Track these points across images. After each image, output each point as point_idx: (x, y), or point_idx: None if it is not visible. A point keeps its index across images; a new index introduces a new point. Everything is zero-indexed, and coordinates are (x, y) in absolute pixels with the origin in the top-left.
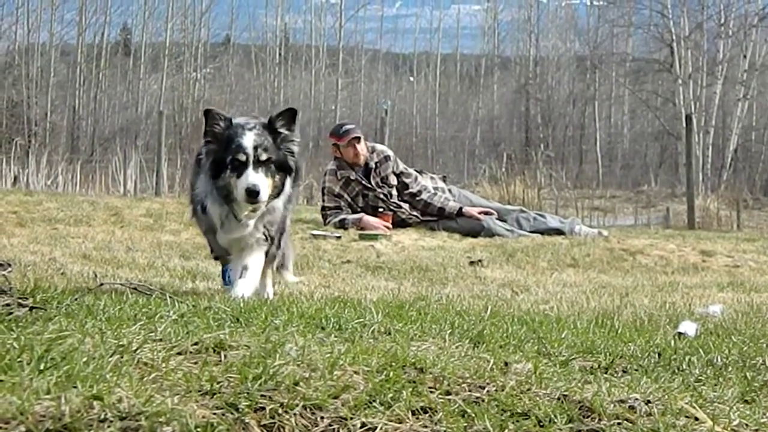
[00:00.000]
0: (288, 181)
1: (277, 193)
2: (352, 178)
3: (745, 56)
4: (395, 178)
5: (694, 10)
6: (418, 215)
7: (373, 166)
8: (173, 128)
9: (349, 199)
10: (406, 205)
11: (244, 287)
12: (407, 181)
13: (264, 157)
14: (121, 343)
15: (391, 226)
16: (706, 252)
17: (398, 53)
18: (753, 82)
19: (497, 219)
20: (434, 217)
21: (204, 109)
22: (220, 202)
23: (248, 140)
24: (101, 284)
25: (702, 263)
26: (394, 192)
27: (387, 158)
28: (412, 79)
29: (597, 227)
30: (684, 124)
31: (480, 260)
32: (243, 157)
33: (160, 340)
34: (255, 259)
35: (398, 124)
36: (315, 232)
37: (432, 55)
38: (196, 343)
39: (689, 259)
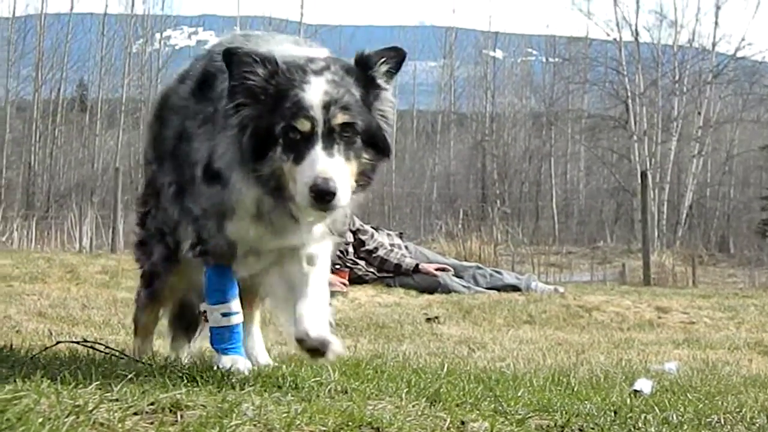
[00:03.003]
0: (379, 168)
1: (363, 185)
2: None
3: (699, 113)
4: (352, 235)
5: (649, 67)
6: (375, 272)
7: None
8: (129, 184)
9: None
10: (362, 262)
11: (318, 330)
12: (363, 238)
13: (342, 120)
14: (77, 403)
15: (347, 282)
16: (662, 308)
17: None
18: (707, 138)
19: (454, 275)
20: (391, 274)
21: (224, 50)
22: (260, 185)
23: (315, 92)
24: (57, 342)
25: (658, 320)
26: (351, 249)
27: None
28: None
29: (553, 284)
30: (639, 181)
31: (436, 317)
32: (306, 125)
33: (117, 400)
34: (319, 284)
35: None
36: None
37: None
38: (152, 403)
39: (645, 316)
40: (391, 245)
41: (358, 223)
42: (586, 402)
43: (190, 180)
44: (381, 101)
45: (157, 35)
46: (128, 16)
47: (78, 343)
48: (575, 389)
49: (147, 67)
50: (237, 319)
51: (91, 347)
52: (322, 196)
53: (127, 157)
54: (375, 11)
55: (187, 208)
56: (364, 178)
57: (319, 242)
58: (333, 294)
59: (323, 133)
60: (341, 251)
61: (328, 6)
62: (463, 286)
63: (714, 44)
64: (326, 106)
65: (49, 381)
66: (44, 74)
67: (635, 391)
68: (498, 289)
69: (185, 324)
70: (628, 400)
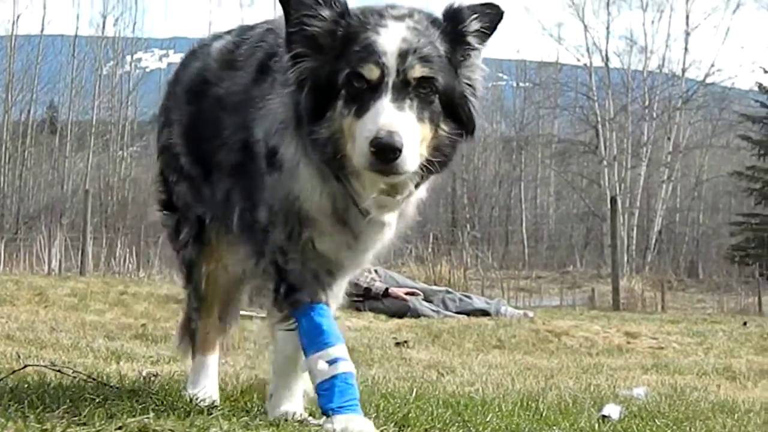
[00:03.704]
0: (459, 147)
1: (438, 163)
2: None
3: (669, 138)
4: None
5: (619, 92)
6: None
7: None
8: (99, 207)
9: None
10: None
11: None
12: None
13: (420, 73)
14: (44, 427)
15: None
16: (631, 333)
17: None
18: (677, 164)
19: (423, 300)
20: (360, 298)
21: None
22: (324, 172)
23: (390, 37)
24: (24, 366)
25: (626, 345)
26: None
27: None
28: None
29: (522, 308)
30: (609, 206)
31: (406, 341)
32: (374, 72)
33: (84, 424)
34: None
35: None
36: (241, 311)
37: None
38: (120, 427)
39: (614, 341)
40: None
41: None
42: (554, 427)
43: (249, 179)
44: (469, 65)
45: (128, 57)
46: (99, 38)
47: (46, 367)
48: (544, 414)
49: (117, 89)
50: (346, 366)
51: (59, 371)
52: (385, 152)
53: (96, 179)
54: None
55: (250, 219)
56: (439, 154)
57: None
58: None
59: (395, 84)
60: None
61: None
62: (433, 311)
63: (684, 70)
64: (402, 54)
65: (16, 405)
66: (14, 96)
67: (603, 416)
68: (467, 313)
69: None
70: (597, 426)
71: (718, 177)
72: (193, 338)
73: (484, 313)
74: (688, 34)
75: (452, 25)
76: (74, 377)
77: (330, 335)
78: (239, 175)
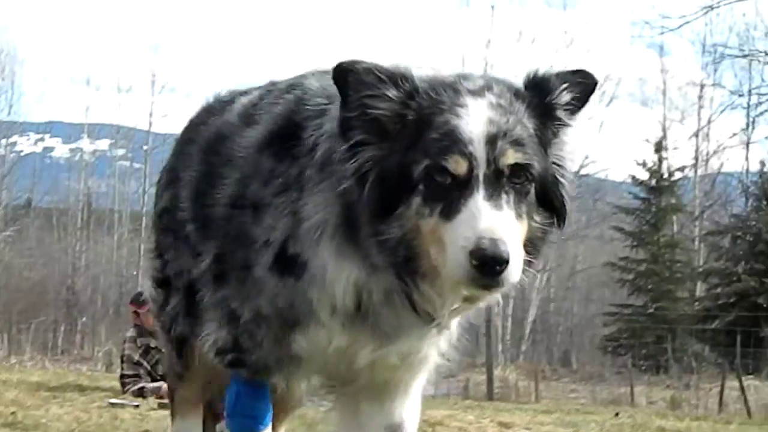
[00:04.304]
0: (550, 239)
1: (528, 261)
2: (152, 345)
3: None
4: None
5: None
6: None
7: None
8: None
9: (149, 367)
10: None
11: None
12: None
13: (514, 160)
14: None
15: None
16: (504, 424)
17: None
18: (551, 254)
19: None
20: None
21: (336, 66)
22: (370, 267)
23: (475, 119)
24: None
25: None
26: None
27: None
28: None
29: None
30: None
31: None
32: (462, 165)
33: None
34: (413, 414)
35: None
36: (113, 400)
37: None
38: None
39: (487, 431)
40: None
41: None
42: None
43: (244, 267)
44: (559, 144)
45: (3, 141)
46: None
47: None
48: None
49: None
50: None
51: None
52: (490, 265)
53: None
54: None
55: (227, 303)
56: (530, 250)
57: (430, 358)
58: None
59: (487, 176)
60: None
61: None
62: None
63: None
64: (491, 140)
65: None
66: None
67: None
68: None
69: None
70: None
71: (592, 267)
72: (172, 402)
73: None
74: None
75: (539, 98)
76: None
77: (260, 418)
78: (237, 269)
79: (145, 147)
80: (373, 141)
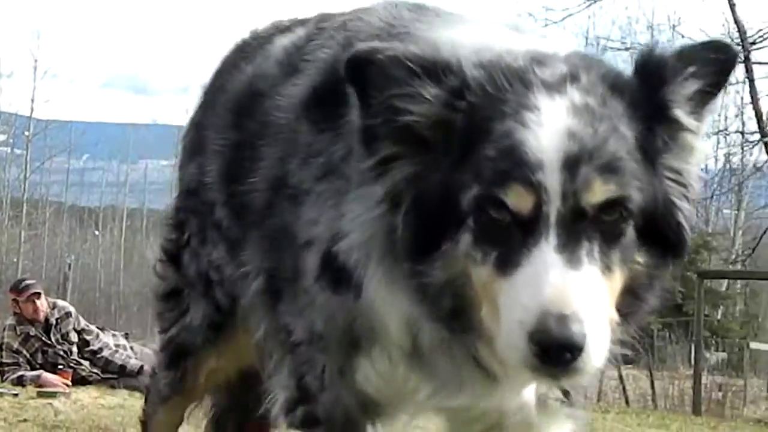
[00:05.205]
0: (661, 280)
1: (628, 314)
2: (31, 334)
3: None
4: (76, 335)
5: None
6: (99, 373)
7: (54, 322)
8: None
9: (28, 356)
10: (86, 363)
11: None
12: (88, 338)
13: (602, 196)
14: None
15: (70, 383)
16: None
17: (84, 207)
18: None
19: None
20: (115, 375)
21: (350, 57)
22: (420, 301)
23: (546, 131)
24: None
25: None
26: (75, 349)
27: (68, 314)
28: (97, 233)
29: None
30: None
31: None
32: (526, 200)
33: None
34: None
35: (82, 278)
36: None
37: (118, 209)
38: None
39: None
40: (117, 346)
41: (83, 323)
42: None
43: (293, 277)
44: (679, 151)
45: None
46: None
47: None
48: None
49: None
50: None
51: None
52: (556, 354)
53: None
54: (107, 108)
55: (285, 326)
56: (631, 301)
57: (547, 404)
58: (55, 395)
59: (561, 217)
60: (65, 351)
61: (58, 101)
62: None
63: None
64: (571, 164)
65: None
66: None
67: None
68: None
69: None
70: None
71: None
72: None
73: None
74: None
75: (648, 90)
76: None
77: None
78: (285, 275)
79: (26, 133)
80: (406, 155)
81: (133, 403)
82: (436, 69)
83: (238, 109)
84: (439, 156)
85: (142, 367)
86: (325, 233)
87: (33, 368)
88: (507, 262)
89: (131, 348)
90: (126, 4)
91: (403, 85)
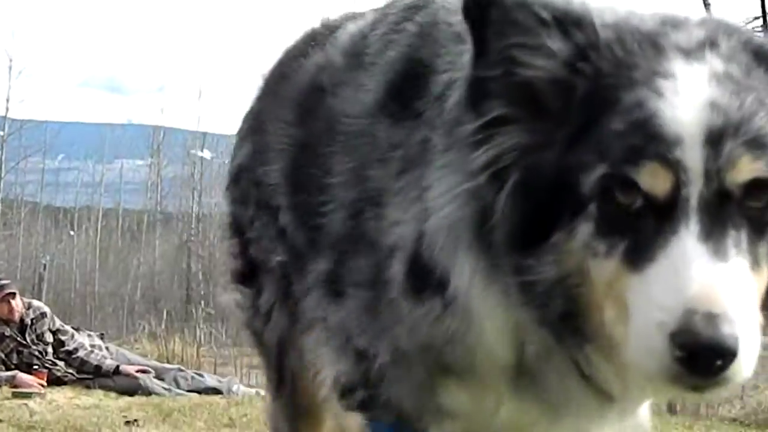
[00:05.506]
0: None
1: None
2: (6, 334)
3: None
4: (51, 335)
5: None
6: (74, 373)
7: (29, 322)
8: None
9: (3, 356)
10: (61, 363)
11: None
12: (63, 338)
13: (751, 174)
14: None
15: (45, 383)
16: None
17: (59, 207)
18: None
19: (155, 377)
20: (90, 375)
21: None
22: (525, 303)
23: (685, 102)
24: None
25: None
26: (50, 349)
27: (43, 315)
28: (72, 233)
29: (255, 387)
30: None
31: (136, 420)
32: (663, 181)
33: None
34: None
35: (57, 279)
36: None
37: (94, 209)
38: None
39: None
40: (92, 346)
41: (58, 323)
42: None
43: (370, 286)
44: None
45: None
46: None
47: None
48: None
49: None
50: None
51: None
52: (705, 360)
53: None
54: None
55: (347, 329)
56: None
57: None
58: (30, 395)
59: (704, 200)
60: (40, 351)
61: (34, 101)
62: (164, 389)
63: None
64: (715, 138)
65: None
66: None
67: None
68: (199, 391)
69: None
70: None
71: None
72: None
73: (216, 391)
74: None
75: None
76: None
77: None
78: (343, 253)
79: (1, 133)
80: (520, 119)
81: (109, 403)
82: (566, 21)
83: (302, 104)
84: (558, 126)
85: (117, 367)
86: (412, 233)
87: (8, 368)
88: (639, 255)
89: (107, 348)
90: (102, 4)
91: (529, 33)
